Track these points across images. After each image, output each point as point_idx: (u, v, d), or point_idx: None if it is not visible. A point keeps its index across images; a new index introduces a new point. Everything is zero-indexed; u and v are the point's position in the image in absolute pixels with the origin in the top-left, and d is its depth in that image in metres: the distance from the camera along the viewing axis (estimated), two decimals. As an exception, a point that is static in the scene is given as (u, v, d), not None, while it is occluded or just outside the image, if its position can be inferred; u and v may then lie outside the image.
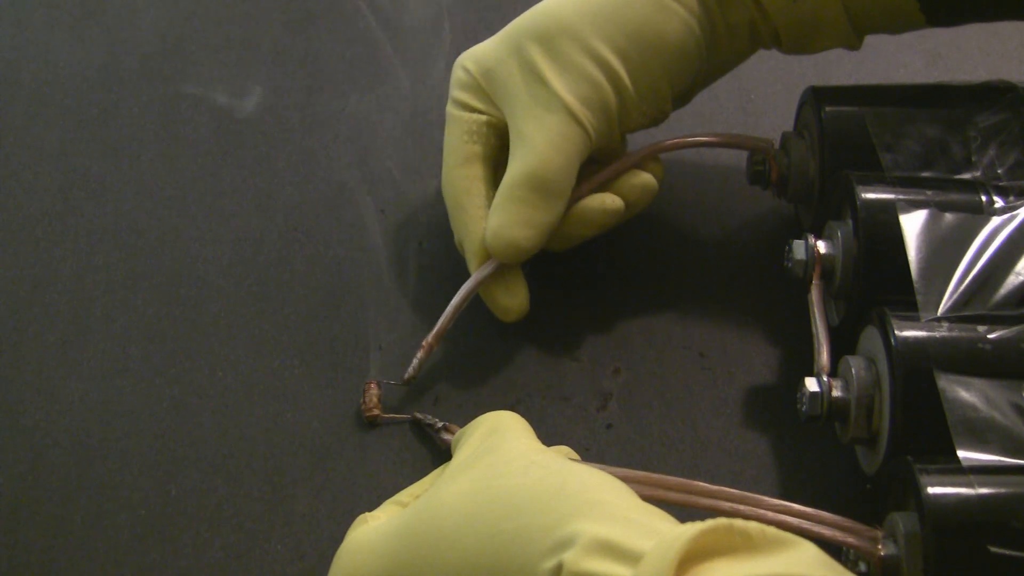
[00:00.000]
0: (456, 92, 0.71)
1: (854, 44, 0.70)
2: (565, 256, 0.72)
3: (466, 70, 0.70)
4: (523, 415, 0.61)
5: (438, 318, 0.68)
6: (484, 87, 0.69)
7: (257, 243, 0.75)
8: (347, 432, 0.67)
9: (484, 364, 0.70)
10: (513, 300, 0.69)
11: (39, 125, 0.81)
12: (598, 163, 0.70)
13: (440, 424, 0.66)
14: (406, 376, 0.68)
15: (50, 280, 0.73)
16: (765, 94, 0.81)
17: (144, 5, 0.88)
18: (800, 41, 0.70)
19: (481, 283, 0.68)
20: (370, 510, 0.60)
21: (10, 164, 0.79)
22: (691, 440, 0.67)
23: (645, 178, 0.70)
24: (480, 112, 0.69)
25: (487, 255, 0.68)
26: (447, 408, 0.68)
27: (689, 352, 0.71)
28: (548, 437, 0.61)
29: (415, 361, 0.68)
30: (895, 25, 0.70)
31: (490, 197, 0.69)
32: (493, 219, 0.67)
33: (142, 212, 0.77)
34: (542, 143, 0.66)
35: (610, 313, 0.72)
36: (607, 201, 0.69)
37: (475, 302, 0.69)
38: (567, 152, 0.66)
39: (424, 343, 0.68)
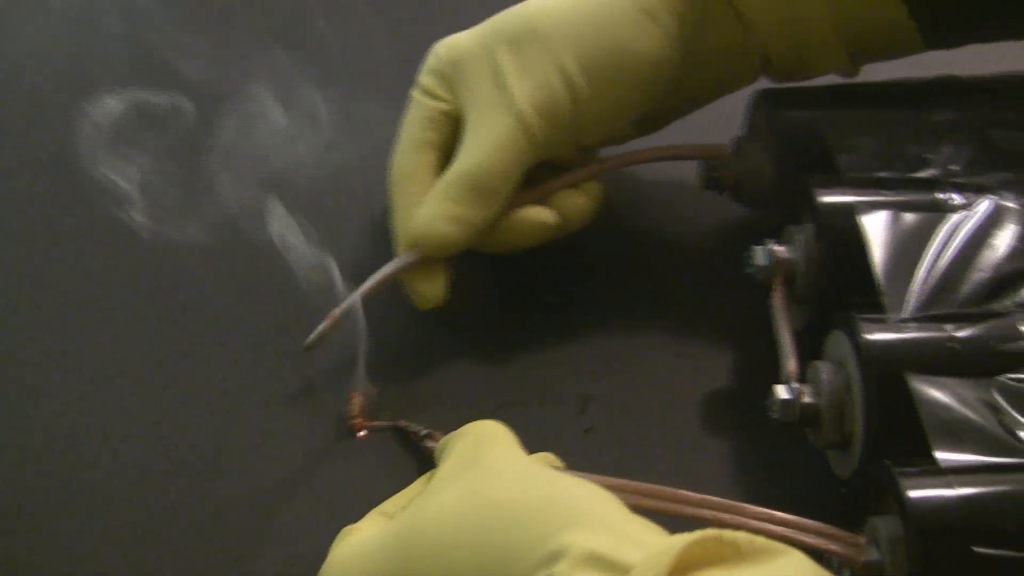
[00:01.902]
0: (423, 77, 0.70)
1: (850, 70, 0.69)
2: (541, 259, 0.71)
3: (438, 57, 0.69)
4: (503, 421, 0.59)
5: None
6: (450, 76, 0.68)
7: (249, 253, 0.73)
8: (330, 442, 0.66)
9: (461, 371, 0.69)
10: (430, 288, 0.67)
11: (35, 129, 0.80)
12: (552, 170, 0.69)
13: (424, 431, 0.64)
14: (305, 343, 0.65)
15: (44, 286, 0.72)
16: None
17: (139, 7, 0.86)
18: (792, 67, 0.69)
19: (401, 269, 0.67)
20: (355, 519, 0.58)
21: (4, 168, 0.78)
22: (672, 442, 0.66)
23: (582, 201, 0.69)
24: (442, 100, 0.68)
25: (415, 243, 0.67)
26: (426, 416, 0.66)
27: (668, 353, 0.69)
28: (530, 443, 0.60)
29: (318, 329, 0.65)
30: (892, 49, 0.69)
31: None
32: (423, 210, 0.66)
33: (136, 217, 0.74)
34: (487, 144, 0.65)
35: (588, 316, 0.71)
36: (544, 215, 0.68)
37: (454, 308, 0.68)
38: (510, 157, 0.65)
39: (331, 314, 0.65)
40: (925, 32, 0.66)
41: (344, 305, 0.65)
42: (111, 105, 0.77)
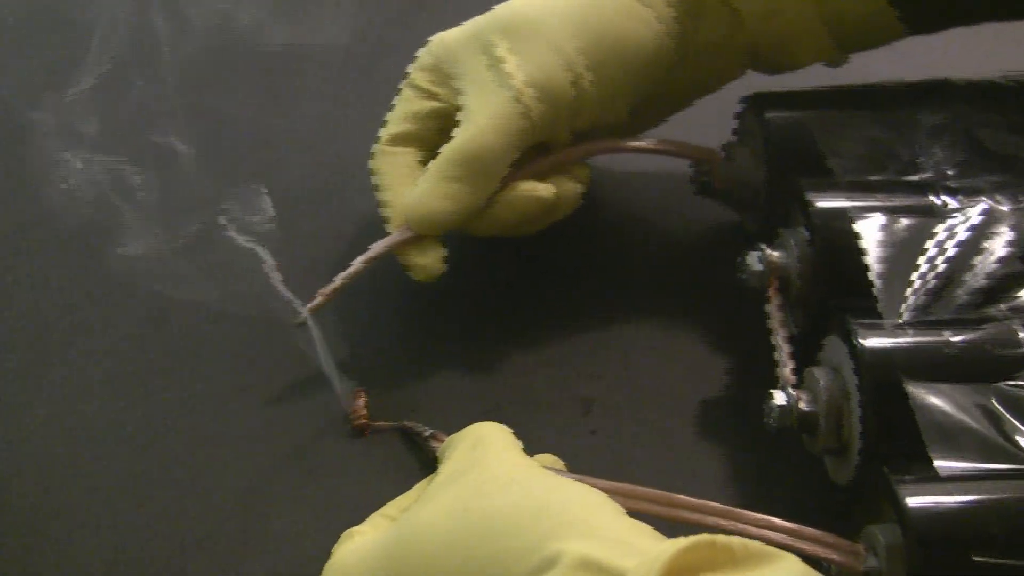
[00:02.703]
0: (414, 73, 0.69)
1: (836, 59, 0.69)
2: (544, 261, 0.71)
3: (430, 52, 0.69)
4: (506, 423, 0.59)
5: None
6: (444, 67, 0.67)
7: (224, 254, 0.71)
8: (329, 443, 0.65)
9: (462, 372, 0.68)
10: (426, 259, 0.66)
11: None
12: (539, 154, 0.68)
13: (428, 432, 0.64)
14: (296, 319, 0.65)
15: (5, 305, 0.71)
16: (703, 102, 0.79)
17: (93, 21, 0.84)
18: (779, 57, 0.68)
19: (395, 244, 0.66)
20: (359, 520, 0.58)
21: None
22: (675, 444, 0.65)
23: (572, 185, 0.69)
24: (431, 97, 0.68)
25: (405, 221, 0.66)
26: (432, 416, 0.66)
27: (668, 357, 0.69)
28: (533, 445, 0.59)
29: (310, 304, 0.65)
30: (875, 35, 0.68)
31: (418, 173, 0.67)
32: (418, 188, 0.65)
33: (96, 229, 0.74)
34: (483, 121, 0.64)
35: (591, 318, 0.71)
36: (538, 188, 0.67)
37: (455, 310, 0.68)
38: (506, 135, 0.64)
39: (320, 292, 0.65)
40: (906, 16, 0.66)
41: (335, 282, 0.65)
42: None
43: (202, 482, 0.64)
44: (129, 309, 0.71)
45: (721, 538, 0.45)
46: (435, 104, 0.68)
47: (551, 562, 0.46)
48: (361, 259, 0.66)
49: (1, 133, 0.81)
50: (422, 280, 0.67)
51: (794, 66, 0.70)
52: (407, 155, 0.68)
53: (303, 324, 0.65)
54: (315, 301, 0.65)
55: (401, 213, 0.66)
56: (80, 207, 0.74)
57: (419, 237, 0.66)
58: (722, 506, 0.55)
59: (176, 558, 0.61)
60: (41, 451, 0.65)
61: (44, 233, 0.75)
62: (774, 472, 0.64)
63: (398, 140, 0.68)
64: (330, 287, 0.65)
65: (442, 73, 0.68)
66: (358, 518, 0.58)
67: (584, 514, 0.49)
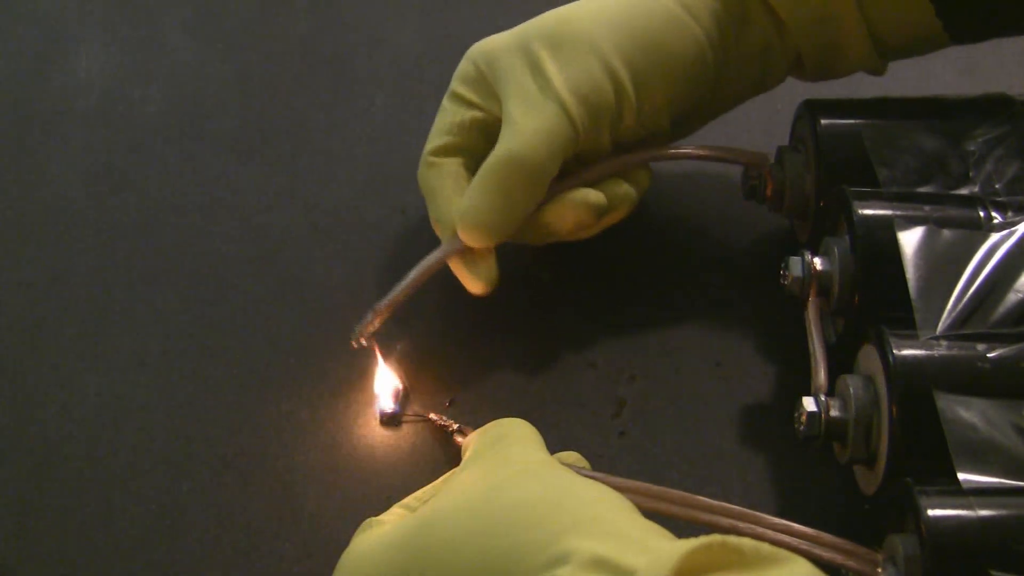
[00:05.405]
0: (456, 84, 0.69)
1: (878, 68, 0.68)
2: (583, 261, 0.70)
3: (472, 62, 0.68)
4: (537, 420, 0.59)
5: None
6: (487, 76, 0.67)
7: (278, 241, 0.74)
8: (360, 433, 0.66)
9: (500, 367, 0.68)
10: (479, 272, 0.66)
11: (65, 120, 0.80)
12: (583, 165, 0.68)
13: (455, 426, 0.64)
14: (352, 339, 0.65)
15: (70, 273, 0.73)
16: (760, 108, 0.78)
17: (170, 4, 0.87)
18: (823, 65, 0.68)
19: (447, 257, 0.66)
20: (380, 511, 0.58)
21: (36, 157, 0.78)
22: (704, 449, 0.65)
23: (625, 188, 0.68)
24: (473, 107, 0.67)
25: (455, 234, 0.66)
26: (461, 411, 0.66)
27: (706, 361, 0.69)
28: (561, 443, 0.60)
29: (363, 322, 0.65)
30: (919, 44, 0.68)
31: (466, 183, 0.66)
32: (466, 201, 0.65)
33: (164, 208, 0.76)
34: (528, 129, 0.63)
35: (627, 320, 0.70)
36: (590, 196, 0.66)
37: (500, 308, 0.68)
38: (551, 144, 0.64)
39: (376, 307, 0.65)
40: (951, 29, 0.65)
41: (387, 299, 0.65)
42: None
43: (242, 461, 0.65)
44: (188, 288, 0.72)
45: (732, 539, 0.45)
46: (477, 114, 0.67)
47: (563, 559, 0.46)
48: (412, 274, 0.65)
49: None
50: (477, 293, 0.66)
51: (836, 74, 0.69)
52: (453, 165, 0.67)
53: (358, 341, 0.65)
54: (368, 318, 0.65)
55: (452, 225, 0.66)
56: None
57: (471, 250, 0.66)
58: (740, 508, 0.55)
59: (212, 530, 0.62)
60: (92, 418, 0.66)
61: (111, 206, 0.76)
62: (803, 481, 0.64)
63: (443, 151, 0.67)
64: (382, 304, 0.65)
65: (484, 83, 0.67)
66: (385, 506, 0.59)
67: (598, 512, 0.49)
